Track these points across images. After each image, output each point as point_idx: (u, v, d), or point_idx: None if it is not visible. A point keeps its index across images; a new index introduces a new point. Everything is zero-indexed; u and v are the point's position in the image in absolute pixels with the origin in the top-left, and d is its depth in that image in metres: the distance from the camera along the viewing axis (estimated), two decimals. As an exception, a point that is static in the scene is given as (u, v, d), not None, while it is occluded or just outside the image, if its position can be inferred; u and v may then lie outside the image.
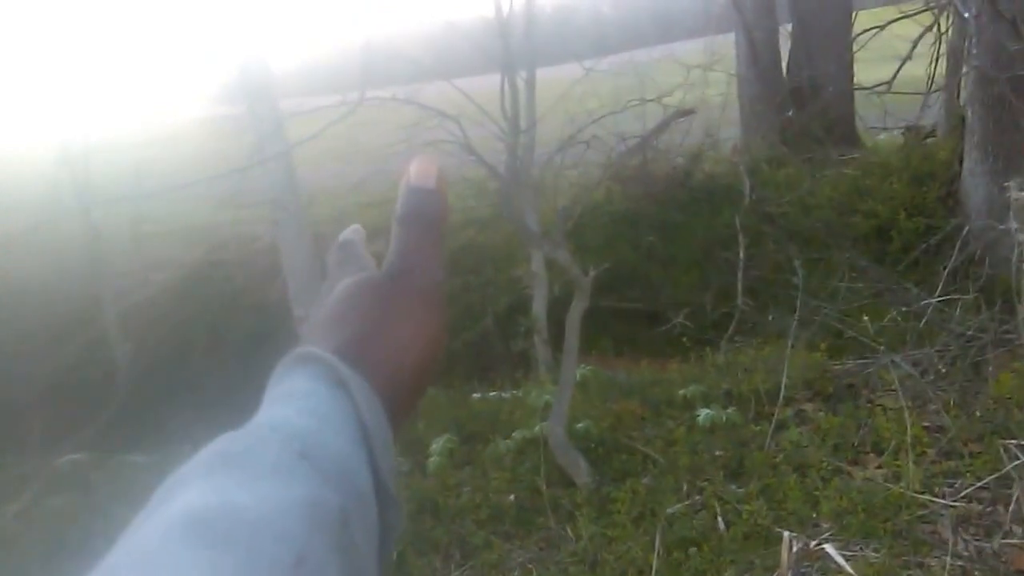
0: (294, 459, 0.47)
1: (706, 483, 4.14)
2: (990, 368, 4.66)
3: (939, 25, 8.49)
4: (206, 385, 6.30)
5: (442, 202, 0.63)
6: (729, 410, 4.69)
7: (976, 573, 3.28)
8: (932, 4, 8.51)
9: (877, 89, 8.72)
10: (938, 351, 4.89)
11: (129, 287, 7.07)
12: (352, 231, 0.70)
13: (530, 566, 3.83)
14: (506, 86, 5.91)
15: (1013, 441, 3.91)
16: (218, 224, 8.35)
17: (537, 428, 4.64)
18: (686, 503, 4.01)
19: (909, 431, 4.07)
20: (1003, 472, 3.74)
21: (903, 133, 8.86)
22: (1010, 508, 3.58)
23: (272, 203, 5.65)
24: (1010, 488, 3.67)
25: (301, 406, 0.51)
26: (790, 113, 9.09)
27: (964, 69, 7.21)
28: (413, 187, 0.63)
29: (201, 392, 6.24)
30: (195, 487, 0.44)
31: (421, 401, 0.61)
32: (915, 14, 8.63)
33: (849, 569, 3.28)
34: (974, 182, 6.43)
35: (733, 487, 4.10)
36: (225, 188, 6.45)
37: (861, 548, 3.48)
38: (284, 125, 5.69)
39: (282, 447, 0.47)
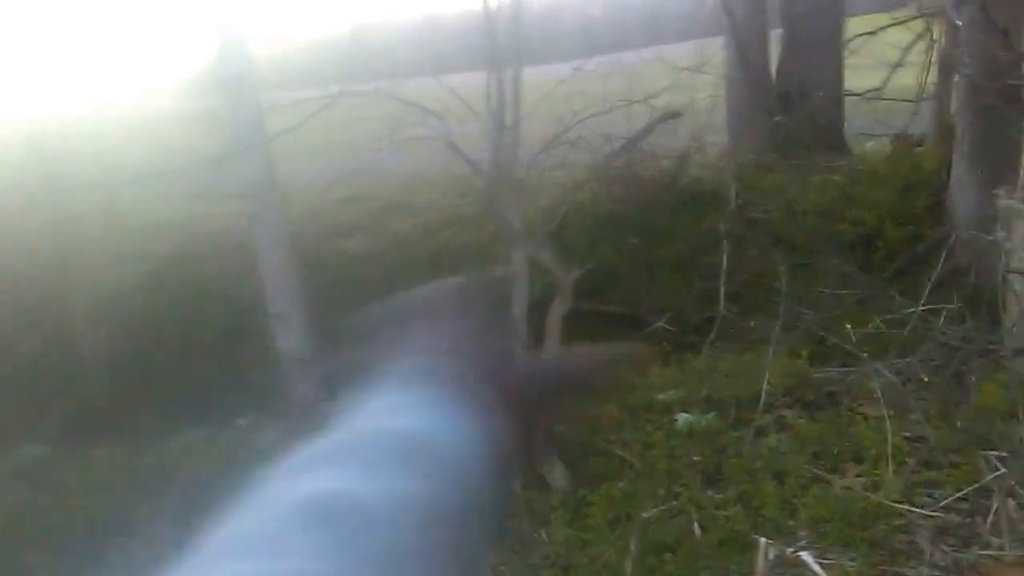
0: (410, 455, 0.49)
1: (683, 488, 4.09)
2: (973, 378, 4.60)
3: (931, 33, 8.44)
4: (174, 381, 6.19)
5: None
6: (708, 415, 4.63)
7: (954, 585, 3.23)
8: (925, 12, 8.47)
9: (867, 96, 8.66)
10: (921, 360, 4.83)
11: (98, 279, 6.96)
12: None
13: (502, 568, 3.77)
14: (491, 83, 5.83)
15: (994, 452, 3.87)
16: (191, 217, 8.24)
17: (512, 430, 4.57)
18: (662, 508, 3.95)
19: (890, 440, 4.02)
20: (983, 483, 3.70)
21: (892, 141, 8.81)
22: (988, 520, 3.54)
23: (248, 197, 5.53)
24: (989, 500, 3.64)
25: (422, 403, 0.54)
26: (778, 118, 9.02)
27: (955, 78, 7.16)
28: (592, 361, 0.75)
29: (169, 388, 6.14)
30: (314, 473, 0.47)
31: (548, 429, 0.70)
32: (907, 21, 8.58)
33: (825, 578, 3.24)
34: (962, 191, 6.37)
35: (710, 493, 4.05)
36: (199, 180, 6.35)
37: (838, 556, 3.44)
38: (262, 117, 5.58)
39: (398, 443, 0.50)
